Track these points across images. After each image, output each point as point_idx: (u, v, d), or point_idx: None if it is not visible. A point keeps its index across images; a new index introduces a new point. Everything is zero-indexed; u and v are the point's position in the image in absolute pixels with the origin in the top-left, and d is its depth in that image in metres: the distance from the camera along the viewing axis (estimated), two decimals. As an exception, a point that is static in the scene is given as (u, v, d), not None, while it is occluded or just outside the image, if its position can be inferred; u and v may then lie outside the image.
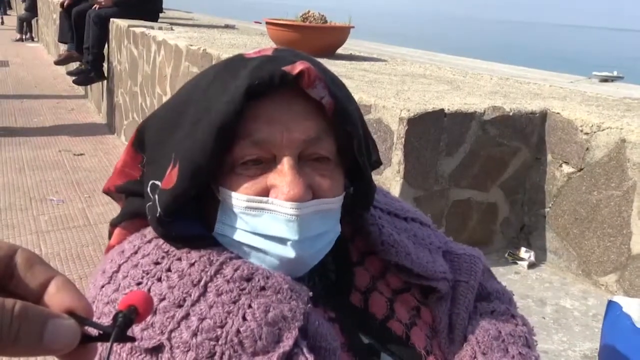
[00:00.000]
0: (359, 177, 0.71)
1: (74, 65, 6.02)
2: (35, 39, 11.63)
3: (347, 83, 2.24)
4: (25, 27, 11.64)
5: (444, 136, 1.92)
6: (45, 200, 3.53)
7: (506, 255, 2.17)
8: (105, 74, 5.28)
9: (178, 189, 0.62)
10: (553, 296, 1.94)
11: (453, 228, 2.07)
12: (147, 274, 0.62)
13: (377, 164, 0.74)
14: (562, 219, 2.09)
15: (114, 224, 0.73)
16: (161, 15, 5.47)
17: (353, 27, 3.49)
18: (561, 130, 2.07)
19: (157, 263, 0.63)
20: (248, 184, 0.63)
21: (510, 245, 2.24)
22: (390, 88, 2.23)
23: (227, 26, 5.55)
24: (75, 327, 0.33)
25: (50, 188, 3.74)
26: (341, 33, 3.46)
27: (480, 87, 2.54)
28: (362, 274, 0.75)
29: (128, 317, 0.36)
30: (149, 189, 0.66)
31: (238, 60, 0.67)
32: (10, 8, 16.32)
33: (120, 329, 0.35)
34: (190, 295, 0.59)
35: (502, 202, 2.18)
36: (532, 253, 2.15)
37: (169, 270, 0.62)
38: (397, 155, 1.85)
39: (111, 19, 4.97)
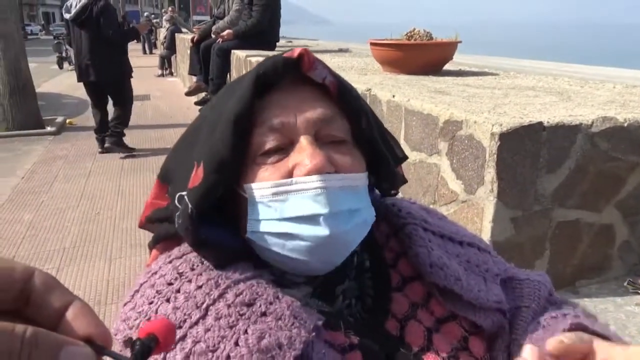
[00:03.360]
0: (378, 164, 0.72)
1: (202, 96, 6.51)
2: (175, 74, 12.77)
3: (443, 99, 2.18)
4: (166, 63, 12.84)
5: (544, 151, 1.76)
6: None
7: (625, 283, 1.92)
8: (228, 103, 5.63)
9: (206, 182, 0.63)
10: (682, 333, 1.68)
11: (559, 252, 1.88)
12: (159, 294, 0.63)
13: (402, 160, 0.77)
14: (694, 244, 1.82)
15: (150, 246, 0.76)
16: (284, 43, 5.73)
17: (460, 42, 3.37)
18: (689, 141, 1.81)
19: (170, 284, 0.64)
20: (270, 170, 0.63)
21: (631, 273, 1.98)
22: (488, 102, 2.11)
23: (340, 50, 5.67)
24: (90, 355, 0.31)
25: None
26: (447, 49, 3.36)
27: (596, 97, 2.31)
28: (400, 300, 0.70)
29: (147, 345, 0.34)
30: (176, 201, 0.67)
31: (240, 76, 0.71)
32: (156, 47, 18.12)
33: (136, 359, 0.33)
34: (191, 317, 0.59)
35: (620, 224, 1.94)
36: (659, 282, 1.88)
37: (178, 291, 0.63)
38: (490, 173, 1.73)
39: (232, 51, 5.30)
